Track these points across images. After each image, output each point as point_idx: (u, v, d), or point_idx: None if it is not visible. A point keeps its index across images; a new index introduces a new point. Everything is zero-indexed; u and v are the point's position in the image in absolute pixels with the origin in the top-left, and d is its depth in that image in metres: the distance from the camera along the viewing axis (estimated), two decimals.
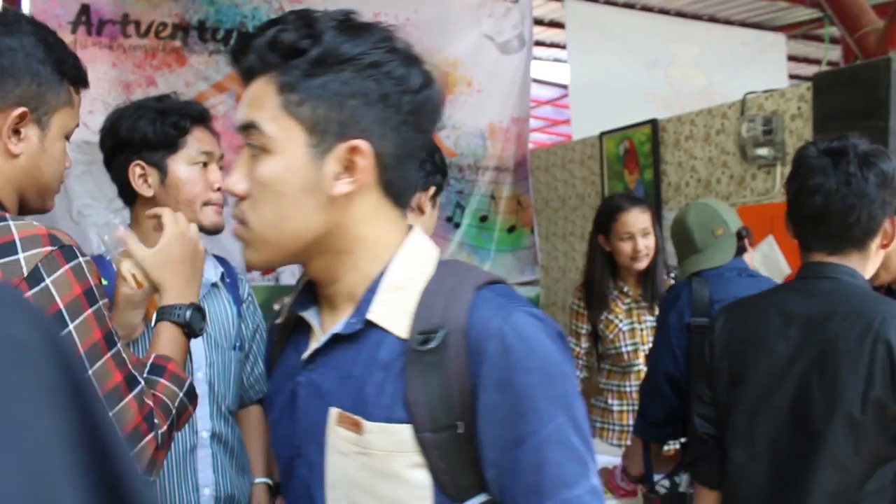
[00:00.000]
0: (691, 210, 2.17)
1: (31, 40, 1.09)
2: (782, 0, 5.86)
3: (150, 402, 1.07)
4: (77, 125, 1.22)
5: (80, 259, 1.04)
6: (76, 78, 1.19)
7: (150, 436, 1.04)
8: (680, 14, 6.12)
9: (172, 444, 1.56)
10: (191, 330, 1.24)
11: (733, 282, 2.03)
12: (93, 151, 3.88)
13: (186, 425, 1.57)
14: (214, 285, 1.72)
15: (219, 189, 1.59)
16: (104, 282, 1.56)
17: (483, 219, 4.87)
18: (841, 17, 4.13)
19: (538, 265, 4.93)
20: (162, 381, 1.13)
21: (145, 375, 1.12)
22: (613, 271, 2.81)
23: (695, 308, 1.99)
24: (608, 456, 2.62)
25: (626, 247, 2.65)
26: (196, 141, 1.59)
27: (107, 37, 3.89)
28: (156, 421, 1.06)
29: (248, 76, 0.95)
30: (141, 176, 1.58)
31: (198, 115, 1.62)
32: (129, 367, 1.05)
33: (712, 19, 6.24)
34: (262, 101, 0.91)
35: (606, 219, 2.72)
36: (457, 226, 4.71)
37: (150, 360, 1.17)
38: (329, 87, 0.89)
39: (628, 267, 2.71)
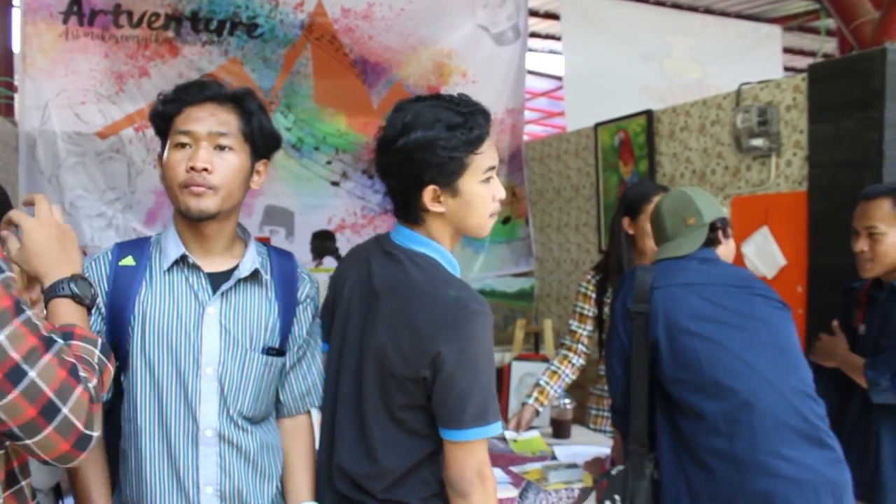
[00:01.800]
0: (667, 198, 2.16)
1: None
2: None
3: (72, 359, 1.07)
4: None
5: None
6: None
7: (80, 388, 1.05)
8: (675, 6, 6.12)
9: (164, 433, 1.52)
10: (80, 299, 1.24)
11: (683, 268, 2.00)
12: (85, 142, 3.90)
13: (185, 419, 1.53)
14: (250, 278, 1.61)
15: (193, 169, 1.49)
16: (133, 263, 1.56)
17: None
18: (837, 8, 4.12)
19: (533, 256, 4.93)
20: (74, 342, 1.14)
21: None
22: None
23: (636, 295, 1.97)
24: (600, 447, 2.63)
25: None
26: (178, 123, 1.54)
27: (98, 27, 3.87)
28: (82, 374, 1.06)
29: None
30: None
31: (188, 97, 1.55)
32: (43, 331, 1.05)
33: (708, 11, 6.23)
34: None
35: (640, 201, 2.72)
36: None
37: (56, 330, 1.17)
38: None
39: (651, 252, 2.71)
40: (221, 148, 1.52)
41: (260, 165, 1.62)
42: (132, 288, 1.54)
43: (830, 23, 5.42)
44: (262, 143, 1.60)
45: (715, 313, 1.90)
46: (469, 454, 1.50)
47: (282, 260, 1.69)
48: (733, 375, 1.81)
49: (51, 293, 1.23)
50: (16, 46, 4.22)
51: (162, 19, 3.97)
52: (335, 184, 4.43)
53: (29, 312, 1.04)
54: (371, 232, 4.51)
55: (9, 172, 3.66)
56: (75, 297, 1.23)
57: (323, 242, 4.39)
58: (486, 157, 1.56)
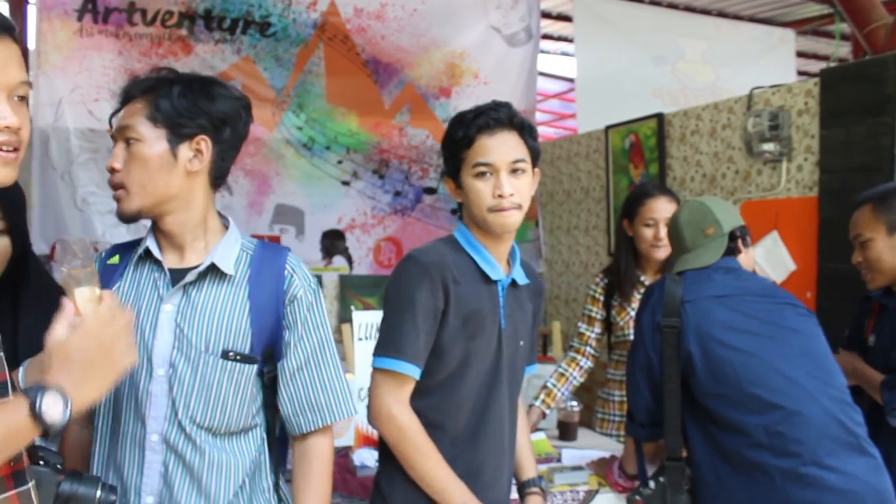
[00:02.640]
0: (684, 209, 2.13)
1: None
2: None
3: None
4: (25, 80, 1.17)
5: None
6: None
7: None
8: (688, 9, 6.10)
9: (113, 435, 1.46)
10: (38, 415, 1.02)
11: (711, 280, 1.96)
12: (97, 139, 3.93)
13: (134, 421, 1.44)
14: (217, 275, 1.47)
15: (112, 170, 1.45)
16: (118, 261, 1.53)
17: None
18: (850, 13, 4.10)
19: (542, 258, 4.93)
20: None
21: None
22: (635, 259, 2.79)
23: (666, 308, 1.92)
24: (606, 450, 2.62)
25: (648, 232, 2.65)
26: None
27: (113, 25, 3.90)
28: None
29: None
30: None
31: (123, 103, 1.49)
32: None
33: (721, 14, 6.21)
34: None
35: (634, 203, 2.71)
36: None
37: None
38: None
39: (648, 254, 2.69)
40: (130, 143, 1.44)
41: (197, 143, 1.45)
42: (110, 285, 1.50)
43: (844, 27, 5.39)
44: (180, 122, 1.44)
45: (746, 324, 1.87)
46: (375, 385, 1.63)
47: (267, 256, 1.53)
48: (773, 389, 1.78)
49: (23, 389, 1.08)
50: (30, 43, 4.25)
51: (175, 17, 4.00)
52: (346, 183, 4.44)
53: None
54: (381, 232, 4.52)
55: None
56: (33, 409, 1.03)
57: (333, 241, 4.41)
58: (477, 152, 1.69)
